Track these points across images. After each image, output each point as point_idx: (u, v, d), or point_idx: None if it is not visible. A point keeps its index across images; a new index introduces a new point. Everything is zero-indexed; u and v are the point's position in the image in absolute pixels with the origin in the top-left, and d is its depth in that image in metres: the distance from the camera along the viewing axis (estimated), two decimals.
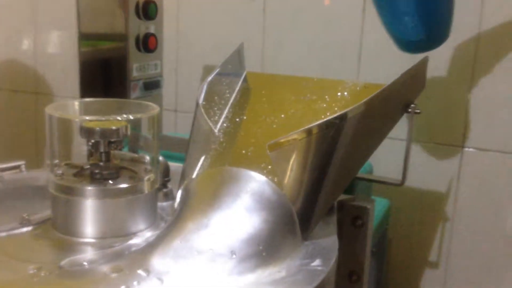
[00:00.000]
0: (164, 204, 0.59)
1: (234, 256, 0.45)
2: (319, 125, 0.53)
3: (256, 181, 0.51)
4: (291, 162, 0.53)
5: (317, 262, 0.48)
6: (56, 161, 0.54)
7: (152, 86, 0.90)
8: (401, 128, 0.95)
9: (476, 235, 0.94)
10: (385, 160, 0.90)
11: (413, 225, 0.98)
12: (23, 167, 0.68)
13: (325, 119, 0.54)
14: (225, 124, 0.64)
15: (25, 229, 0.52)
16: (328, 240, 0.53)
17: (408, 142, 0.66)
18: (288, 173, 0.53)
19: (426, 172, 0.97)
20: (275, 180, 0.52)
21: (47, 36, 1.37)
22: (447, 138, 0.95)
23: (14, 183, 0.65)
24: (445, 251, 0.97)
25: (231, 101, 0.69)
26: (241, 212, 0.48)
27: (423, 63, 0.68)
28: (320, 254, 0.49)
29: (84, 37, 0.92)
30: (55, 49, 1.37)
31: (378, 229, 0.85)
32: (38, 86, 1.38)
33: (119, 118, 0.50)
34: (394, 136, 0.96)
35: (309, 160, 0.53)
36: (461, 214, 0.95)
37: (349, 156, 0.57)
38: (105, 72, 0.93)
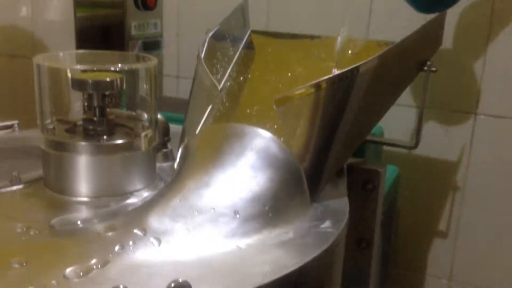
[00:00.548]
0: (164, 164, 0.56)
1: (237, 216, 0.42)
2: (329, 79, 0.49)
3: (261, 138, 0.47)
4: (299, 119, 0.49)
5: (327, 224, 0.44)
6: (48, 120, 0.51)
7: (152, 46, 0.86)
8: (409, 94, 0.91)
9: (487, 204, 0.91)
10: (395, 127, 0.86)
11: (422, 194, 0.95)
12: (16, 127, 0.65)
13: (336, 73, 0.50)
14: (228, 83, 0.60)
15: (15, 188, 0.49)
16: (338, 202, 0.49)
17: (423, 102, 0.62)
18: (296, 130, 0.49)
19: (437, 139, 0.93)
20: (282, 139, 0.48)
21: (45, 2, 1.33)
22: (459, 105, 0.91)
23: (6, 143, 0.62)
24: (454, 221, 0.94)
25: (234, 59, 0.66)
26: (245, 170, 0.45)
27: (440, 18, 0.64)
28: (330, 216, 0.46)
29: (80, 3, 0.89)
30: (53, 16, 1.33)
31: (387, 197, 0.82)
32: (36, 51, 1.35)
33: (113, 68, 0.46)
34: (403, 102, 0.92)
35: (318, 116, 0.50)
36: (472, 183, 0.92)
37: (361, 114, 0.53)
38: (103, 38, 0.90)
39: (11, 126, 0.65)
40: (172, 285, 0.29)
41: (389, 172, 0.84)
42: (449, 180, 0.94)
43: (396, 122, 0.90)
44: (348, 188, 0.54)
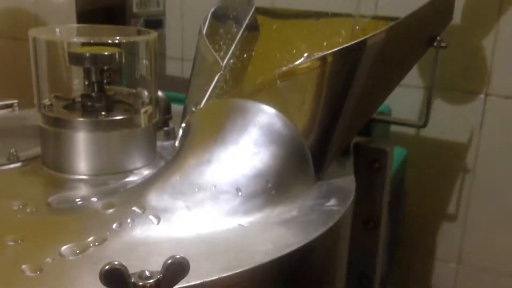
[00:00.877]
0: (165, 143, 0.55)
1: (239, 193, 0.40)
2: (335, 53, 0.47)
3: (265, 113, 0.46)
4: (304, 94, 0.47)
5: (332, 202, 0.43)
6: (46, 97, 0.49)
7: (154, 25, 0.84)
8: (418, 76, 0.89)
9: (498, 187, 0.89)
10: (403, 110, 0.84)
11: (431, 176, 0.93)
12: (16, 106, 0.64)
13: (342, 46, 0.48)
14: (231, 61, 0.59)
15: (12, 166, 0.48)
16: (344, 180, 0.48)
17: (432, 78, 0.60)
18: (301, 106, 0.47)
19: (446, 121, 0.91)
20: (286, 115, 0.47)
21: None
22: (469, 85, 0.89)
23: (5, 122, 0.60)
24: (464, 204, 0.92)
25: (238, 37, 0.64)
26: (247, 146, 0.43)
27: None
28: (336, 194, 0.44)
29: None
30: None
31: (394, 179, 0.80)
32: None
33: (111, 41, 0.44)
34: (412, 83, 0.90)
35: (323, 91, 0.48)
36: (482, 165, 0.90)
37: (368, 89, 0.51)
38: (105, 19, 0.88)
39: (10, 105, 0.64)
40: (169, 261, 0.28)
41: (397, 154, 0.83)
42: (458, 163, 0.92)
43: (405, 104, 0.88)
44: (354, 168, 0.52)
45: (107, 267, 0.27)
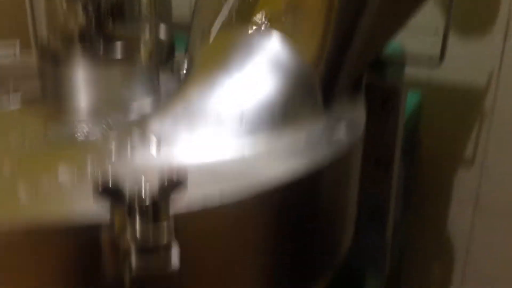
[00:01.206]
0: (170, 79, 0.53)
1: (244, 122, 0.39)
2: None
3: (272, 42, 0.43)
4: (313, 22, 0.45)
5: (341, 134, 0.41)
6: (44, 34, 0.47)
7: None
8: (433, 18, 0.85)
9: None
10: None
11: (447, 121, 0.91)
12: (17, 46, 0.62)
13: None
14: (237, 3, 0.56)
15: (12, 104, 0.47)
16: (354, 114, 0.46)
17: (450, 7, 0.57)
18: (310, 34, 0.45)
19: (463, 65, 0.87)
20: (294, 42, 0.44)
21: None
22: (488, 26, 0.85)
23: (5, 62, 0.59)
24: (481, 148, 0.89)
25: None
26: (252, 75, 0.41)
27: None
28: (345, 126, 0.43)
29: None
30: None
31: (408, 123, 0.78)
32: None
33: None
34: (427, 26, 0.86)
35: (333, 19, 0.45)
36: (501, 108, 0.87)
37: (379, 19, 0.48)
38: None
39: (12, 45, 0.62)
40: (166, 170, 0.26)
41: (410, 99, 0.80)
42: (475, 106, 0.89)
43: (420, 51, 0.85)
44: (366, 108, 0.50)
45: (101, 177, 0.26)
